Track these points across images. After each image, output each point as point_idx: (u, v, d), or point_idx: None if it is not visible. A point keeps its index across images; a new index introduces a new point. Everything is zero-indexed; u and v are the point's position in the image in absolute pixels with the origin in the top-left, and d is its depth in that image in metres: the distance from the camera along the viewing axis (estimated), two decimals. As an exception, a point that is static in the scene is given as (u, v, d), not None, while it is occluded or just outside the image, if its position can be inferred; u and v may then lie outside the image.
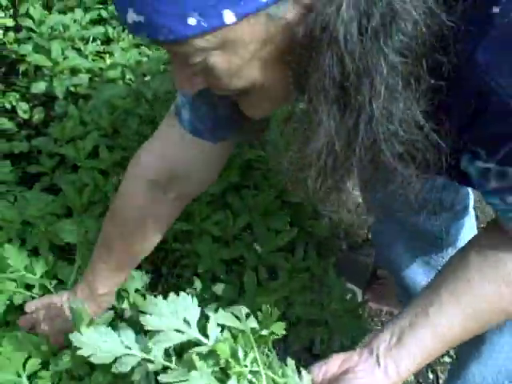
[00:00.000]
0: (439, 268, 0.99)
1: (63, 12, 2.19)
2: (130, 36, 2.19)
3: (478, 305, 0.90)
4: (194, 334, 0.83)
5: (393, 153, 0.77)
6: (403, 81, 0.73)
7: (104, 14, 2.28)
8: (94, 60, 2.01)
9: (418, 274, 1.47)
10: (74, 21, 2.08)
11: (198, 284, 1.43)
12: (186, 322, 0.82)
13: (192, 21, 0.70)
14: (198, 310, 0.84)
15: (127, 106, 1.66)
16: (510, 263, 0.88)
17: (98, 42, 2.12)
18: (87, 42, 2.07)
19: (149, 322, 0.81)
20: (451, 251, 1.40)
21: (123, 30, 2.21)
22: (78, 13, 2.14)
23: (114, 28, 2.20)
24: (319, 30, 0.70)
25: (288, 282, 1.43)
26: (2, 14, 2.28)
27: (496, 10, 0.71)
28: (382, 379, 0.88)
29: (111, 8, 2.31)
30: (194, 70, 0.80)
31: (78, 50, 1.99)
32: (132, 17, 0.73)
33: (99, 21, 2.27)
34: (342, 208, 0.85)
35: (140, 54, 2.02)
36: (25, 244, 1.42)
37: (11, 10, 2.35)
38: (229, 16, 0.70)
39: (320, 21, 0.70)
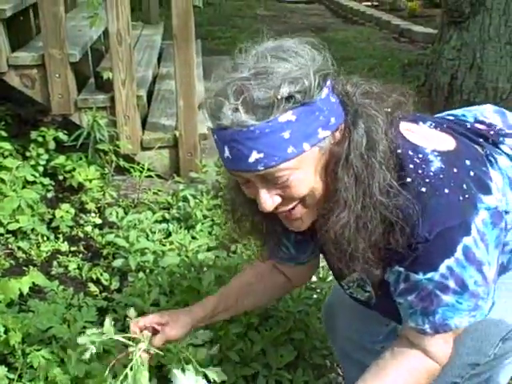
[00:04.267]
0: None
1: (137, 212, 3.00)
2: (184, 231, 2.93)
3: None
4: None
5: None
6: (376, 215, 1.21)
7: (167, 215, 3.09)
8: (158, 244, 2.74)
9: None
10: (146, 218, 2.87)
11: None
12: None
13: (291, 149, 1.15)
14: None
15: (180, 272, 2.34)
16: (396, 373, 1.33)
17: (162, 233, 2.88)
18: (154, 233, 2.83)
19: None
20: None
21: (180, 228, 2.97)
22: (149, 213, 2.94)
23: (174, 225, 2.97)
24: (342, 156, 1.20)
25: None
26: (93, 215, 3.11)
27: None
28: None
29: (173, 211, 3.12)
30: (276, 187, 1.20)
31: (147, 237, 2.74)
32: (254, 156, 1.14)
33: (163, 220, 3.06)
34: None
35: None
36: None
37: (98, 214, 3.18)
38: (306, 146, 1.17)
39: (338, 152, 1.20)
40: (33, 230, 2.92)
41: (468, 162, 1.28)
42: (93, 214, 3.16)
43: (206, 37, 7.89)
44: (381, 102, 1.25)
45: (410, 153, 1.25)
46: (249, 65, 1.17)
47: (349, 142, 1.19)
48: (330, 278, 2.34)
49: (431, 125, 1.39)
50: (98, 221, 3.08)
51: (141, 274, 2.45)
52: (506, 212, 1.29)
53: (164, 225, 2.96)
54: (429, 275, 1.22)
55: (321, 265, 2.56)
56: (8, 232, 2.91)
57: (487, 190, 1.26)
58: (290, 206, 1.25)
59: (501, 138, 1.44)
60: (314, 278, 2.36)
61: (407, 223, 1.20)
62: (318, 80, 1.16)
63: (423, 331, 1.30)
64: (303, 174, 1.19)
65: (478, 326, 1.37)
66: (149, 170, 3.42)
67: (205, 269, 2.31)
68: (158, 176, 3.55)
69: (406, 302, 1.29)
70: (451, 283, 1.22)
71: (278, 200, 1.23)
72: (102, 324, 2.25)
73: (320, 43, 1.23)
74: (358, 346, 1.74)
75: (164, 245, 2.77)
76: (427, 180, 1.21)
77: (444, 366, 1.36)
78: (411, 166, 1.23)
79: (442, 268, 1.21)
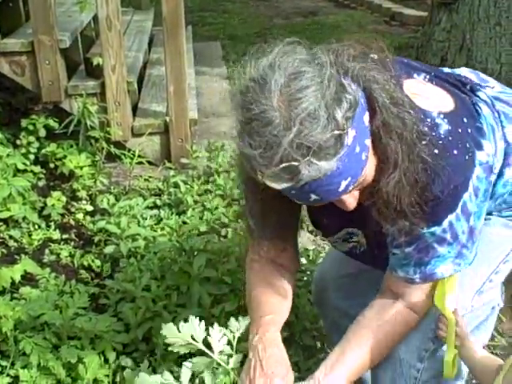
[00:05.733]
0: None
1: (128, 199, 3.00)
2: (176, 216, 2.94)
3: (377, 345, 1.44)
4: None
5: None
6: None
7: (158, 202, 3.09)
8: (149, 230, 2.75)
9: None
10: (137, 204, 2.87)
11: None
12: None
13: (364, 156, 1.18)
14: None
15: (171, 256, 2.35)
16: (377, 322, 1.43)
17: (153, 219, 2.89)
18: (145, 219, 2.83)
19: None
20: None
21: (171, 214, 2.98)
22: (140, 200, 2.95)
23: (165, 211, 2.98)
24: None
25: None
26: (85, 202, 3.11)
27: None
28: None
29: (164, 198, 3.13)
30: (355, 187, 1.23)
31: (138, 223, 2.75)
32: (344, 184, 1.17)
33: (154, 206, 3.07)
34: None
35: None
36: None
37: (89, 201, 3.18)
38: (368, 141, 1.20)
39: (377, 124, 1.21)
40: (24, 218, 2.92)
41: (465, 120, 1.36)
42: (84, 202, 3.16)
43: (197, 23, 7.85)
44: (367, 60, 1.26)
45: (422, 117, 1.30)
46: (284, 114, 1.11)
47: (379, 108, 1.20)
48: (320, 260, 2.35)
49: (425, 77, 1.44)
50: (90, 208, 3.08)
51: (132, 260, 2.46)
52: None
53: (155, 211, 2.96)
54: (432, 229, 1.32)
55: (311, 248, 2.60)
56: (-1, 220, 2.92)
57: (480, 146, 1.34)
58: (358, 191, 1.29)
59: (478, 87, 1.51)
60: (303, 261, 2.37)
61: (426, 184, 1.28)
62: (344, 81, 1.16)
63: (411, 281, 1.39)
64: (369, 162, 1.23)
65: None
66: (140, 156, 3.41)
67: (195, 253, 2.32)
68: (149, 162, 3.56)
69: (402, 253, 1.38)
70: (448, 236, 1.33)
71: (357, 194, 1.28)
72: (94, 310, 2.27)
73: (304, 42, 1.22)
74: (347, 315, 1.77)
75: (155, 230, 2.78)
76: (440, 142, 1.29)
77: (424, 320, 1.45)
78: (426, 128, 1.28)
79: (445, 223, 1.31)
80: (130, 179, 3.35)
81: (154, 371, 1.99)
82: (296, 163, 1.11)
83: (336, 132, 1.11)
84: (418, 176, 1.26)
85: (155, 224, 2.86)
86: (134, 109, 3.81)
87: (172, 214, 2.97)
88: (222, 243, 2.49)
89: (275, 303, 1.57)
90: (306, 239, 2.85)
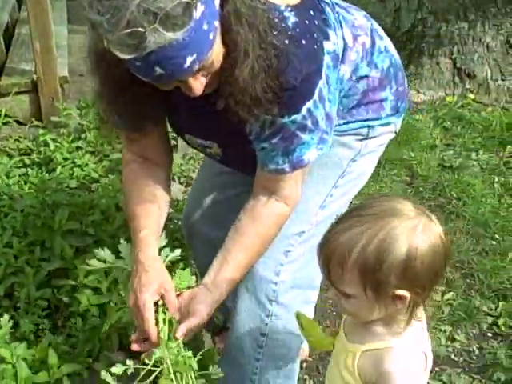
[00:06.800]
0: None
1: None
2: (45, 174, 2.89)
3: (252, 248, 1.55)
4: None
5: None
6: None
7: (27, 161, 3.04)
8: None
9: None
10: (2, 163, 2.81)
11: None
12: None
13: (211, 35, 1.20)
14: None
15: (35, 212, 2.33)
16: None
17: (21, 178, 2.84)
18: (12, 177, 2.78)
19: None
20: None
21: (41, 173, 2.93)
22: (6, 159, 2.88)
23: (34, 169, 2.93)
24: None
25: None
26: None
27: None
28: (209, 297, 1.48)
29: (33, 157, 3.07)
30: (201, 72, 1.27)
31: (3, 182, 2.71)
32: (189, 60, 1.19)
33: (23, 166, 3.01)
34: None
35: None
36: None
37: None
38: (216, 23, 1.22)
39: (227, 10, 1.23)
40: None
41: (312, 12, 1.44)
42: None
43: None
44: None
45: (272, 9, 1.35)
46: None
47: None
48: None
49: None
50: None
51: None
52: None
53: (23, 169, 2.91)
54: (292, 117, 1.40)
55: (180, 198, 2.65)
56: None
57: (327, 36, 1.45)
58: (206, 80, 1.33)
59: None
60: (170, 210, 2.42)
61: (279, 70, 1.34)
62: None
63: (282, 171, 1.49)
64: (217, 47, 1.26)
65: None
66: (8, 116, 3.32)
67: (59, 207, 2.31)
68: (19, 123, 3.46)
69: (269, 145, 1.47)
70: (309, 123, 1.42)
71: (204, 81, 1.32)
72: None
73: None
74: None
75: (22, 189, 2.73)
76: (289, 33, 1.35)
77: (274, 239, 1.58)
78: (276, 20, 1.34)
79: (304, 110, 1.40)
80: (-2, 140, 3.26)
81: (17, 324, 1.99)
82: (142, 29, 1.12)
83: (184, 0, 1.13)
84: (271, 62, 1.32)
85: (24, 183, 2.81)
86: (2, 68, 3.67)
87: (42, 172, 2.92)
88: (88, 197, 2.49)
89: (150, 213, 1.62)
90: (177, 190, 2.89)
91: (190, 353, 1.41)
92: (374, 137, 1.71)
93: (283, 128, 1.42)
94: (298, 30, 1.37)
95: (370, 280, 1.10)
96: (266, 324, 1.71)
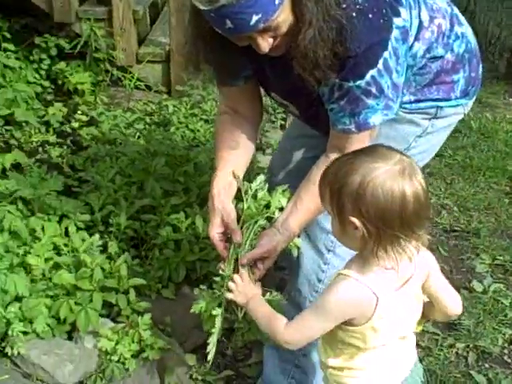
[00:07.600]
0: None
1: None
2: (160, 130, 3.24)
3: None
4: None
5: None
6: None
7: (147, 119, 3.40)
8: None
9: None
10: (122, 116, 3.20)
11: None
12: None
13: (277, 0, 1.39)
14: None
15: (139, 158, 2.67)
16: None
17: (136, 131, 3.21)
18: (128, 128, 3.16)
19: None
20: None
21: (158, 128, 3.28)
22: (128, 114, 3.26)
23: (151, 126, 3.29)
24: None
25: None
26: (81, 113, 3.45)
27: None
28: (277, 236, 1.67)
29: (153, 117, 3.43)
30: (269, 33, 1.46)
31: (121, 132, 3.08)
32: (254, 18, 1.39)
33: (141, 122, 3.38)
34: None
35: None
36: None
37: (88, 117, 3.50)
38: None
39: None
40: (26, 122, 3.26)
41: None
42: (83, 115, 3.48)
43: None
44: None
45: None
46: None
47: None
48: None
49: None
50: (86, 119, 3.41)
51: (107, 159, 2.78)
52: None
53: (141, 125, 3.27)
54: (357, 82, 1.55)
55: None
56: (5, 123, 3.26)
57: (398, 13, 1.57)
58: (276, 42, 1.52)
59: None
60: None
61: (344, 39, 1.50)
62: None
63: (349, 130, 1.63)
64: (285, 13, 1.45)
65: None
66: (140, 80, 3.72)
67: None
68: (150, 89, 3.85)
69: (338, 106, 1.62)
70: (373, 89, 1.55)
71: (271, 41, 1.50)
72: (68, 196, 2.58)
73: None
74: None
75: (136, 139, 3.10)
76: (357, 6, 1.50)
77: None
78: None
79: (368, 76, 1.54)
80: (129, 100, 3.66)
81: (106, 248, 2.32)
82: None
83: None
84: (332, 33, 1.48)
85: (138, 136, 3.17)
86: (144, 39, 4.09)
87: (156, 129, 3.27)
88: (187, 152, 2.79)
89: (232, 156, 1.83)
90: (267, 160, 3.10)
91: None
92: (442, 117, 1.83)
93: (349, 92, 1.57)
94: (366, 4, 1.51)
95: (336, 201, 1.28)
96: (323, 271, 1.89)
